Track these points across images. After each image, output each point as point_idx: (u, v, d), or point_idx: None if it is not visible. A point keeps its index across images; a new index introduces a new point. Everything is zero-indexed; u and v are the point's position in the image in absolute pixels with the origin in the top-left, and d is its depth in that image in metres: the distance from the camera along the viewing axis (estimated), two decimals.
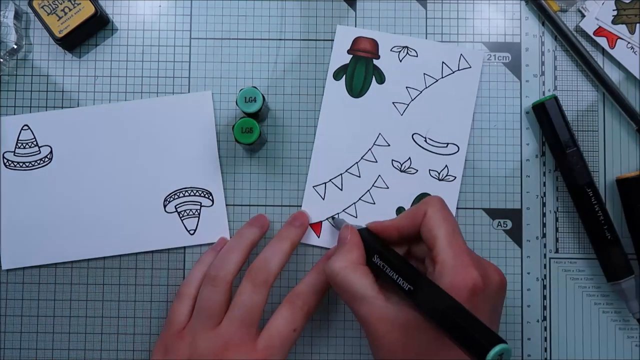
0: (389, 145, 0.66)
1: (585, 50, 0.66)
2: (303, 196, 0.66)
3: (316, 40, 0.67)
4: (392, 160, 0.66)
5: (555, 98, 0.64)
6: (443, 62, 0.66)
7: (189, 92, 0.66)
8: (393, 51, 0.66)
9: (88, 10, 0.64)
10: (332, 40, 0.67)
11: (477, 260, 0.53)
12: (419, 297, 0.49)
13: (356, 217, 0.65)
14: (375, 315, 0.52)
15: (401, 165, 0.66)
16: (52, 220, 0.65)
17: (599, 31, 0.66)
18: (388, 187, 0.65)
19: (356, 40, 0.66)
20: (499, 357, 0.42)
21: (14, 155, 0.65)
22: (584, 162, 0.64)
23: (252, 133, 0.60)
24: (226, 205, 0.66)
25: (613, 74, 0.66)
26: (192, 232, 0.65)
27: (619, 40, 0.66)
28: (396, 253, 0.56)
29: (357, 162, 0.66)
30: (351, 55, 0.66)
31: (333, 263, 0.55)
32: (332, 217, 0.65)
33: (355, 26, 0.67)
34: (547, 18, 0.66)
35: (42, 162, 0.65)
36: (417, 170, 0.65)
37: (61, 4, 0.64)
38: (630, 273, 0.63)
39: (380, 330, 0.51)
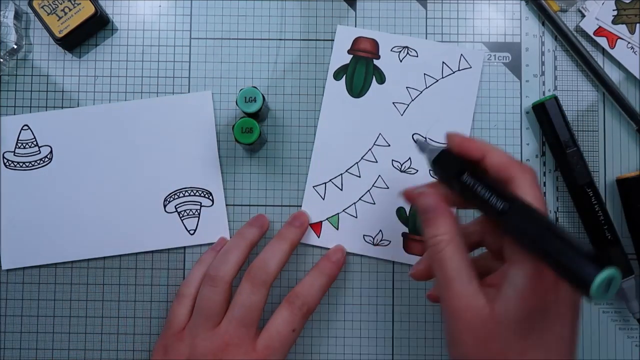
0: (389, 145, 0.66)
1: (585, 50, 0.66)
2: (303, 196, 0.66)
3: (316, 40, 0.67)
4: (393, 160, 0.66)
5: (556, 98, 0.64)
6: (443, 62, 0.66)
7: (189, 92, 0.66)
8: (393, 51, 0.66)
9: (88, 10, 0.64)
10: (332, 40, 0.67)
11: None
12: (513, 218, 0.44)
13: (356, 217, 0.65)
14: (464, 302, 0.46)
15: (401, 165, 0.66)
16: (52, 220, 0.65)
17: (599, 31, 0.66)
18: (388, 187, 0.65)
19: (356, 40, 0.66)
20: (606, 285, 0.37)
21: (14, 155, 0.65)
22: (584, 162, 0.64)
23: (252, 133, 0.60)
24: (226, 205, 0.66)
25: (613, 74, 0.66)
26: (192, 232, 0.65)
27: (619, 40, 0.66)
28: (482, 170, 0.49)
29: (357, 162, 0.66)
30: (351, 55, 0.66)
31: (440, 234, 0.49)
32: (329, 219, 0.65)
33: (356, 26, 0.67)
34: (547, 18, 0.66)
35: (42, 162, 0.65)
36: (417, 171, 0.65)
37: (61, 4, 0.64)
38: (630, 273, 0.63)
39: (465, 319, 0.47)
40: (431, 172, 0.63)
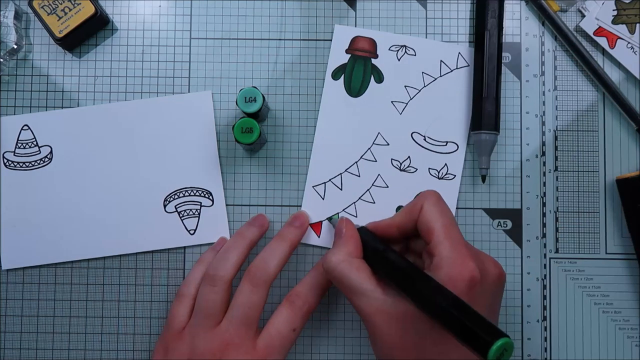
0: (388, 144, 0.66)
1: (585, 50, 0.66)
2: (303, 196, 0.66)
3: (316, 40, 0.67)
4: (392, 159, 0.66)
5: None
6: (441, 61, 0.66)
7: (189, 92, 0.66)
8: (391, 50, 0.66)
9: (88, 10, 0.64)
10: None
11: (474, 253, 0.53)
12: (418, 294, 0.49)
13: (356, 217, 0.65)
14: (373, 308, 0.52)
15: (400, 164, 0.66)
16: (52, 220, 0.65)
17: (599, 31, 0.66)
18: (388, 186, 0.65)
19: (354, 40, 0.66)
20: (501, 352, 0.41)
21: (14, 155, 0.65)
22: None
23: (252, 133, 0.60)
24: (226, 205, 0.66)
25: (613, 74, 0.66)
26: (192, 232, 0.65)
27: (619, 40, 0.66)
28: (394, 250, 0.56)
29: (356, 162, 0.66)
30: (349, 55, 0.66)
31: (330, 257, 0.56)
32: (330, 218, 0.65)
33: (355, 26, 0.67)
34: (547, 18, 0.66)
35: (42, 162, 0.65)
36: (416, 169, 0.65)
37: (61, 4, 0.64)
38: (496, 130, 0.64)
39: (378, 322, 0.52)
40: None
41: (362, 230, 0.59)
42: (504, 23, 0.65)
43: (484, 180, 0.65)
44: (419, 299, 0.49)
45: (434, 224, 0.53)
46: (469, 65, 0.66)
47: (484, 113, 0.64)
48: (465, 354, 0.47)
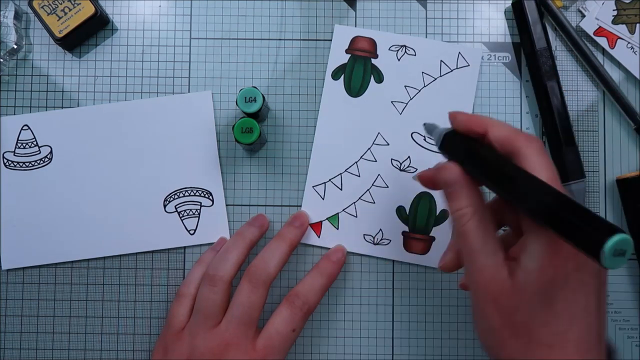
0: (388, 144, 0.66)
1: (586, 47, 0.66)
2: (303, 196, 0.66)
3: (316, 40, 0.67)
4: (392, 159, 0.66)
5: None
6: (441, 61, 0.66)
7: (189, 92, 0.66)
8: (391, 50, 0.66)
9: (88, 10, 0.64)
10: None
11: None
12: (522, 192, 0.43)
13: (356, 217, 0.65)
14: (489, 274, 0.46)
15: (400, 164, 0.66)
16: (52, 220, 0.65)
17: (599, 31, 0.66)
18: (388, 187, 0.65)
19: (354, 40, 0.66)
20: (619, 250, 0.36)
21: (14, 155, 0.65)
22: (553, 61, 0.65)
23: (252, 133, 0.60)
24: (226, 205, 0.66)
25: (613, 74, 0.66)
26: (192, 232, 0.65)
27: (619, 40, 0.66)
28: (493, 149, 0.48)
29: (356, 162, 0.66)
30: (349, 55, 0.66)
31: (457, 203, 0.48)
32: (329, 219, 0.65)
33: (355, 26, 0.67)
34: (549, 13, 0.66)
35: (42, 162, 0.65)
36: (416, 169, 0.65)
37: (61, 4, 0.64)
38: (582, 176, 0.64)
39: (490, 291, 0.46)
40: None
41: (449, 135, 0.51)
42: (556, 67, 0.65)
43: None
44: (524, 198, 0.43)
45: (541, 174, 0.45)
46: (469, 65, 0.66)
47: (567, 164, 0.63)
48: (579, 334, 0.44)
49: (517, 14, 0.66)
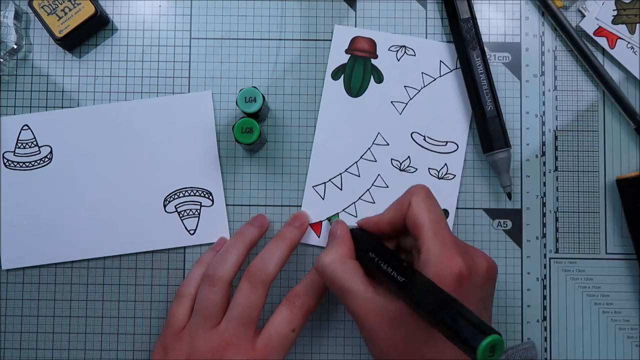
0: (388, 144, 0.66)
1: (586, 47, 0.66)
2: (303, 196, 0.66)
3: (316, 40, 0.67)
4: (392, 159, 0.66)
5: None
6: (441, 61, 0.66)
7: (189, 92, 0.66)
8: (391, 50, 0.66)
9: (88, 10, 0.64)
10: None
11: (463, 248, 0.53)
12: (411, 291, 0.49)
13: (356, 217, 0.65)
14: (365, 309, 0.52)
15: (400, 164, 0.66)
16: (52, 220, 0.65)
17: (599, 31, 0.66)
18: (388, 186, 0.65)
19: (354, 40, 0.66)
20: (491, 350, 0.41)
21: (14, 155, 0.65)
22: (477, 30, 0.65)
23: (252, 133, 0.60)
24: (226, 205, 0.66)
25: (613, 74, 0.66)
26: (192, 232, 0.65)
27: (619, 40, 0.66)
28: (387, 248, 0.56)
29: (356, 162, 0.66)
30: (349, 55, 0.66)
31: (322, 257, 0.56)
32: (329, 219, 0.65)
33: (355, 26, 0.67)
34: (549, 13, 0.66)
35: (42, 162, 0.65)
36: (416, 169, 0.65)
37: (61, 4, 0.64)
38: (506, 146, 0.64)
39: (370, 322, 0.52)
40: None
41: (355, 231, 0.59)
42: (480, 35, 0.65)
43: (510, 198, 0.65)
44: (409, 297, 0.49)
45: (421, 220, 0.53)
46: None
47: (491, 133, 0.64)
48: (458, 352, 0.46)
49: None
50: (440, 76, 0.66)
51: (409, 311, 0.50)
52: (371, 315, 0.52)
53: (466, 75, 0.65)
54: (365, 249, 0.56)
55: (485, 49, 0.66)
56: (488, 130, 0.64)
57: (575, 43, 0.66)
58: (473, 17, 0.65)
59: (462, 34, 0.64)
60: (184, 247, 0.66)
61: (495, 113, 0.64)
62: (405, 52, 0.66)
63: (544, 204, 0.66)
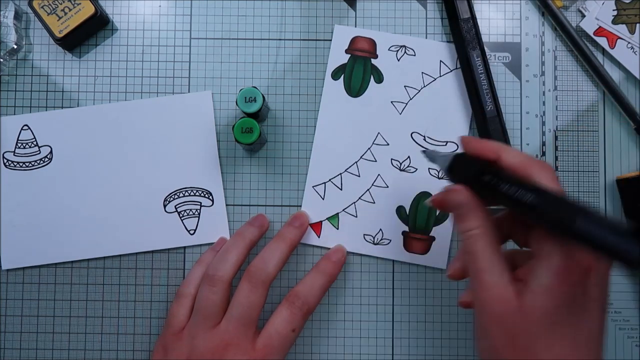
0: (388, 144, 0.66)
1: (586, 47, 0.66)
2: (303, 196, 0.66)
3: (316, 40, 0.67)
4: (392, 159, 0.66)
5: None
6: (441, 61, 0.66)
7: (189, 92, 0.66)
8: (391, 50, 0.66)
9: (88, 10, 0.64)
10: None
11: None
12: (545, 208, 0.43)
13: (356, 217, 0.65)
14: (495, 295, 0.46)
15: (400, 164, 0.66)
16: (52, 220, 0.65)
17: (599, 31, 0.66)
18: (388, 186, 0.65)
19: (354, 40, 0.66)
20: None
21: (14, 155, 0.65)
22: (477, 30, 0.65)
23: (252, 133, 0.60)
24: (226, 205, 0.66)
25: (613, 74, 0.66)
26: (192, 232, 0.65)
27: (619, 40, 0.66)
28: (501, 168, 0.49)
29: (356, 162, 0.66)
30: (349, 55, 0.66)
31: (468, 223, 0.48)
32: (329, 219, 0.65)
33: (355, 26, 0.67)
34: (549, 13, 0.66)
35: (42, 162, 0.65)
36: (416, 169, 0.65)
37: (61, 4, 0.64)
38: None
39: (495, 314, 0.46)
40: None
41: (459, 158, 0.52)
42: (481, 35, 0.65)
43: None
44: (539, 216, 0.43)
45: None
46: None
47: (491, 133, 0.64)
48: (583, 357, 0.44)
49: None
50: (440, 76, 0.66)
51: (536, 312, 0.44)
52: (499, 303, 0.46)
53: (466, 75, 0.65)
54: (478, 171, 0.49)
55: (486, 49, 0.66)
56: (488, 130, 0.63)
57: (576, 43, 0.66)
58: (473, 17, 0.65)
59: (462, 34, 0.64)
60: (184, 247, 0.66)
61: (495, 113, 0.64)
62: (405, 52, 0.66)
63: None
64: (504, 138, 0.64)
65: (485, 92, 0.64)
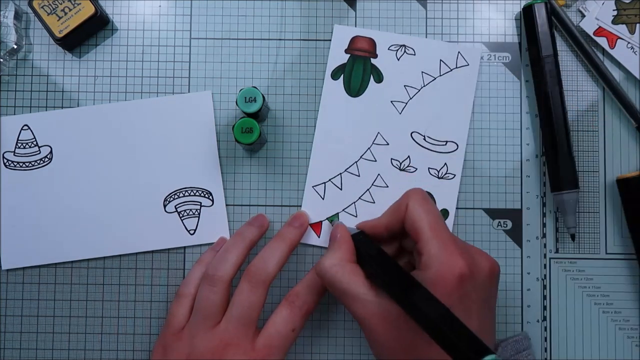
0: (388, 144, 0.66)
1: (588, 45, 0.65)
2: (303, 196, 0.66)
3: (316, 40, 0.67)
4: (392, 159, 0.66)
5: (546, 3, 0.65)
6: (441, 60, 0.66)
7: (189, 92, 0.66)
8: (391, 50, 0.66)
9: (88, 10, 0.64)
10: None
11: (464, 249, 0.53)
12: (408, 303, 0.49)
13: (356, 217, 0.65)
14: (367, 311, 0.52)
15: (400, 163, 0.66)
16: (52, 220, 0.65)
17: (599, 31, 0.66)
18: (388, 186, 0.65)
19: (354, 40, 0.66)
20: None
21: (14, 155, 0.65)
22: (558, 70, 0.65)
23: (252, 133, 0.60)
24: (226, 205, 0.66)
25: (613, 74, 0.66)
26: (192, 232, 0.65)
27: (619, 40, 0.66)
28: (388, 257, 0.55)
29: (356, 162, 0.66)
30: (349, 55, 0.66)
31: (323, 261, 0.56)
32: (330, 219, 0.65)
33: (356, 26, 0.67)
34: (551, 11, 0.66)
35: (42, 162, 0.65)
36: (416, 169, 0.65)
37: (61, 4, 0.64)
38: (575, 187, 0.64)
39: (373, 325, 0.52)
40: None
41: (356, 236, 0.59)
42: (561, 76, 0.66)
43: (573, 239, 0.65)
44: (409, 308, 0.49)
45: (420, 223, 0.53)
46: (468, 65, 0.66)
47: (562, 172, 0.64)
48: None
49: (526, 19, 0.66)
50: (440, 75, 0.66)
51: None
52: (374, 318, 0.52)
53: (542, 111, 0.65)
54: (365, 255, 0.56)
55: (485, 48, 0.66)
56: (559, 169, 0.64)
57: (577, 41, 0.66)
58: (555, 54, 0.65)
59: (544, 71, 0.65)
60: (184, 247, 0.66)
61: (569, 152, 0.64)
62: (405, 51, 0.66)
63: (544, 204, 0.66)
64: (574, 179, 0.64)
65: (562, 132, 0.64)
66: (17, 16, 0.65)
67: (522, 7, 0.66)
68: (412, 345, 0.51)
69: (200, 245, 0.66)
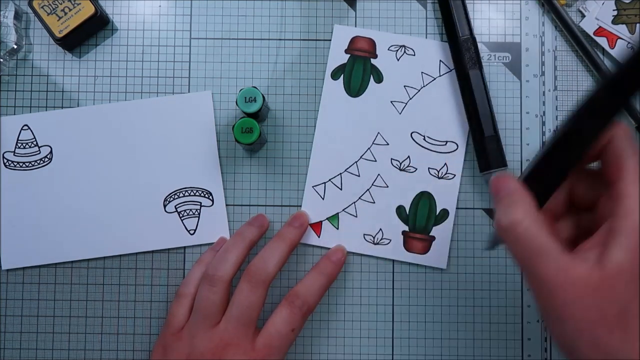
0: (388, 144, 0.66)
1: (588, 45, 0.65)
2: (303, 196, 0.66)
3: (316, 40, 0.67)
4: (392, 159, 0.66)
5: None
6: (441, 61, 0.66)
7: (189, 92, 0.66)
8: (390, 50, 0.66)
9: (88, 10, 0.64)
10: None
11: None
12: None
13: (356, 217, 0.65)
14: (563, 276, 0.42)
15: (400, 164, 0.66)
16: (52, 220, 0.65)
17: (599, 31, 0.66)
18: (388, 186, 0.65)
19: (353, 40, 0.66)
20: None
21: (14, 155, 0.65)
22: (476, 49, 0.65)
23: (252, 133, 0.60)
24: (226, 205, 0.66)
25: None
26: (192, 232, 0.65)
27: (619, 40, 0.66)
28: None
29: (356, 162, 0.66)
30: (349, 55, 0.66)
31: (512, 213, 0.44)
32: (329, 219, 0.65)
33: (355, 26, 0.67)
34: (552, 10, 0.66)
35: (42, 162, 0.65)
36: (416, 169, 0.65)
37: (61, 4, 0.64)
38: (503, 165, 0.63)
39: (569, 294, 0.42)
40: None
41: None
42: (480, 55, 0.65)
43: None
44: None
45: (625, 161, 0.43)
46: None
47: (489, 152, 0.64)
48: None
49: (442, 5, 0.66)
50: (440, 76, 0.66)
51: (628, 271, 0.41)
52: (571, 285, 0.41)
53: (465, 93, 0.65)
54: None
55: (485, 48, 0.66)
56: (486, 149, 0.64)
57: (578, 40, 0.66)
58: (472, 36, 0.65)
59: (462, 53, 0.64)
60: (184, 247, 0.66)
61: (493, 132, 0.64)
62: (405, 51, 0.66)
63: None
64: (502, 158, 0.64)
65: (484, 114, 0.64)
66: (17, 16, 0.65)
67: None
68: (622, 321, 0.41)
69: (200, 245, 0.66)
